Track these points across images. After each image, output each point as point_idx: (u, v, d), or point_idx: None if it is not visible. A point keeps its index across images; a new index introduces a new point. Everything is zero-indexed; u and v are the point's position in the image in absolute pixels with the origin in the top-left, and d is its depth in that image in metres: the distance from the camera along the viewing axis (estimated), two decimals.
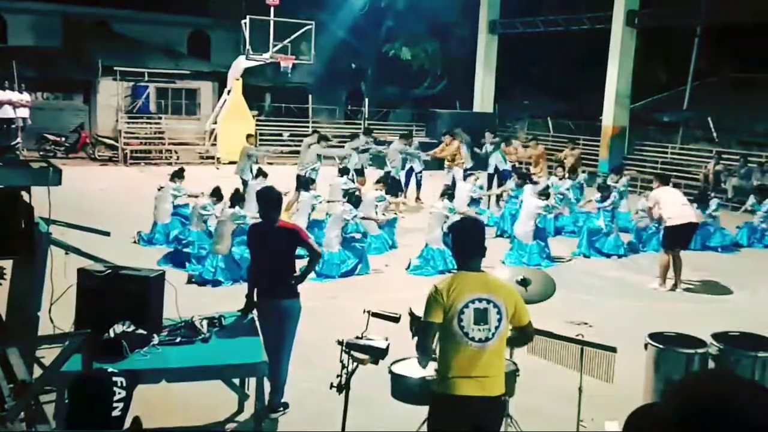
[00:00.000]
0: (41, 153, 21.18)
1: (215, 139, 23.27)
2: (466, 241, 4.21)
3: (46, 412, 4.40)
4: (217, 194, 11.13)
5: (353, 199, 11.17)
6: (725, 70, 26.56)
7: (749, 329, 5.63)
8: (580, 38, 24.81)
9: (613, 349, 4.98)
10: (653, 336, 5.43)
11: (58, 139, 23.07)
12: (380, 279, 10.40)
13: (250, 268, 6.31)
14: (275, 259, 5.86)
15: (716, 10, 21.81)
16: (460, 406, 3.95)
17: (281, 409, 5.88)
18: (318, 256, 6.34)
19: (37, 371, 4.83)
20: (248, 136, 16.37)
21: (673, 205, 10.31)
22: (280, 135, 24.18)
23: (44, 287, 5.01)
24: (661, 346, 5.29)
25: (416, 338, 4.21)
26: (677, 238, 10.33)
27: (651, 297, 9.95)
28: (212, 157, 22.52)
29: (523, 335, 4.23)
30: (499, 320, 3.96)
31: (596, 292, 10.02)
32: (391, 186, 15.20)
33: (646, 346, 5.39)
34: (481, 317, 3.93)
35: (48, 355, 4.74)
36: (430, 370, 4.45)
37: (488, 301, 3.95)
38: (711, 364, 5.20)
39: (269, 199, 6.03)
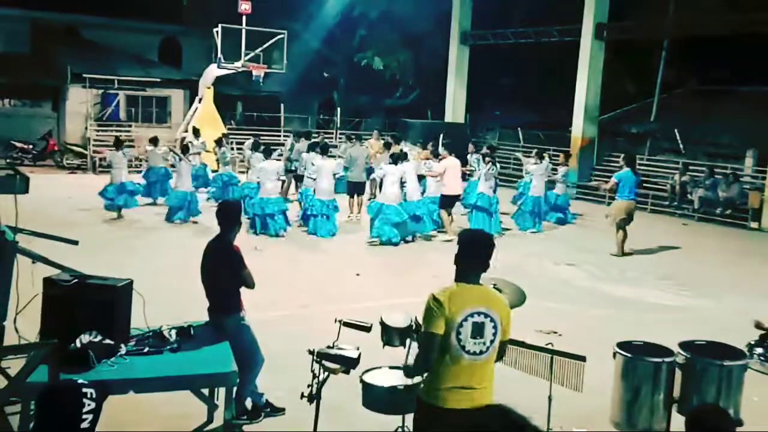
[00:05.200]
0: (8, 160, 20.91)
1: None
2: (473, 255, 4.06)
3: (11, 423, 4.33)
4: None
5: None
6: (692, 83, 27.01)
7: (714, 337, 5.70)
8: (550, 50, 25.12)
9: (583, 358, 5.02)
10: (621, 345, 5.47)
11: (26, 146, 22.78)
12: (351, 288, 10.38)
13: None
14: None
15: (683, 24, 22.23)
16: (449, 419, 3.89)
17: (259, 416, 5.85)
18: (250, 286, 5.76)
19: (2, 382, 4.75)
20: (223, 135, 18.49)
21: (457, 178, 14.01)
22: None
23: (10, 296, 4.93)
24: (629, 355, 5.33)
25: (417, 349, 4.08)
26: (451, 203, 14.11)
27: (620, 306, 10.05)
28: None
29: (500, 350, 4.18)
30: (494, 334, 3.93)
31: (566, 301, 10.09)
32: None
33: (614, 355, 5.44)
34: (478, 331, 3.89)
35: (13, 365, 4.66)
36: (401, 380, 4.45)
37: (486, 315, 3.91)
38: (678, 373, 5.25)
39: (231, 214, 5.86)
